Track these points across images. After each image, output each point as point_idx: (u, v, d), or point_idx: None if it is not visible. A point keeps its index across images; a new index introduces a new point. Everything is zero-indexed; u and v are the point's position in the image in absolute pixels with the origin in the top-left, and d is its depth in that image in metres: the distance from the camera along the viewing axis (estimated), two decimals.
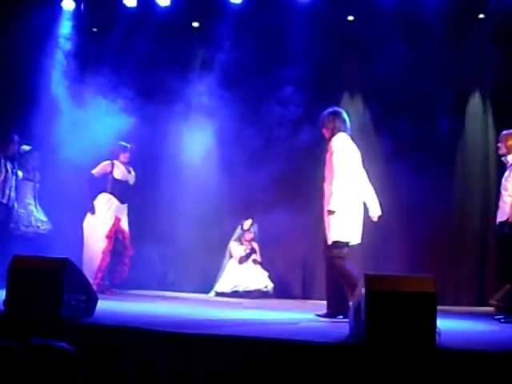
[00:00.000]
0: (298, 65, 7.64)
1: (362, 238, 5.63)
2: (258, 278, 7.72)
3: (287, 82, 7.68)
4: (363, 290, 3.97)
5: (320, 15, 7.76)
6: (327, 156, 5.64)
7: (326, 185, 5.63)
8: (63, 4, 8.23)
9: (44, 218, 7.34)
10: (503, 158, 6.17)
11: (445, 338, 3.95)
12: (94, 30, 8.39)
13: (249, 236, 7.93)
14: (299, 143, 7.62)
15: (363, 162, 5.78)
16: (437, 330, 3.90)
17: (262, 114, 7.85)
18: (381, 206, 5.75)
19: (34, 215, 7.27)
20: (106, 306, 5.13)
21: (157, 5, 8.10)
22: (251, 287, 7.62)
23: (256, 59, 7.97)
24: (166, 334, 4.13)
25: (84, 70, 8.27)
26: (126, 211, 7.43)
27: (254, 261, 7.86)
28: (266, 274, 7.79)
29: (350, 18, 7.84)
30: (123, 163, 7.43)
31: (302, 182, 7.60)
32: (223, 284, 7.68)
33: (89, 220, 7.26)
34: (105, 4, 8.30)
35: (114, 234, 7.25)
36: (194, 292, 7.78)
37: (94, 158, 7.49)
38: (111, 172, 7.35)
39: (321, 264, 7.47)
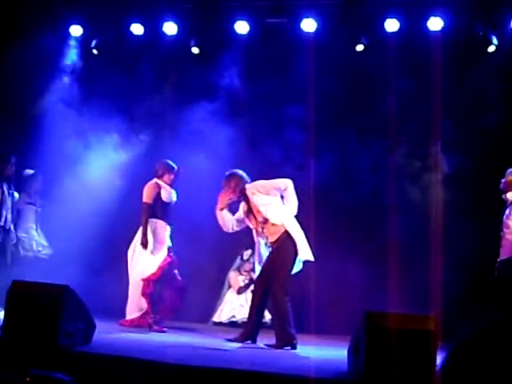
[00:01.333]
0: (302, 96, 7.72)
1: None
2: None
3: (291, 114, 7.75)
4: (363, 325, 3.96)
5: (326, 47, 7.83)
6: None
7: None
8: (71, 30, 8.31)
9: (45, 243, 7.33)
10: (503, 196, 6.19)
11: None
12: (96, 53, 8.40)
13: (248, 266, 7.91)
14: (297, 168, 7.70)
15: None
16: (437, 367, 3.87)
17: (263, 143, 7.92)
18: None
19: (36, 239, 7.26)
20: (103, 334, 5.09)
21: (163, 33, 8.19)
22: None
23: (261, 90, 8.04)
24: (166, 364, 4.10)
25: (88, 96, 8.33)
26: (169, 233, 6.84)
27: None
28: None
29: (358, 48, 7.88)
30: (166, 185, 6.81)
31: (300, 215, 7.60)
32: (221, 314, 7.63)
33: (137, 250, 6.68)
34: (112, 31, 8.37)
35: (168, 265, 6.63)
36: (191, 321, 7.73)
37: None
38: (158, 194, 6.75)
39: (321, 297, 7.52)
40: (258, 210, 6.01)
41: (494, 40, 7.51)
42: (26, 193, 7.28)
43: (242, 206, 6.18)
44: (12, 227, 7.01)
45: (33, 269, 6.90)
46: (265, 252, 6.08)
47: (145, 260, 6.61)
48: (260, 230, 6.05)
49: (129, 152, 8.07)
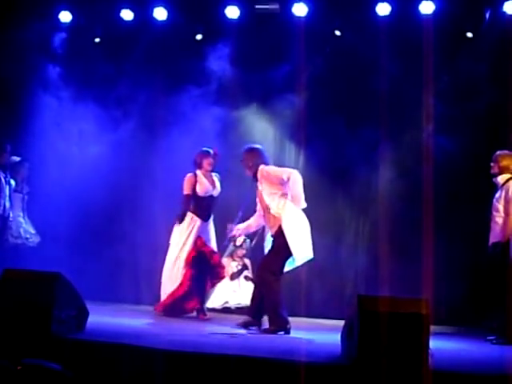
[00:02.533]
0: (294, 79, 7.70)
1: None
2: (250, 295, 7.68)
3: (284, 101, 7.75)
4: (356, 309, 3.98)
5: (317, 31, 7.80)
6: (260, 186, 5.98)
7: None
8: (60, 16, 8.23)
9: (32, 231, 7.31)
10: (494, 179, 6.20)
11: (437, 359, 3.95)
12: (97, 40, 8.35)
13: (241, 252, 7.92)
14: (290, 156, 7.70)
15: None
16: (429, 350, 3.91)
17: (254, 130, 7.90)
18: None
19: (23, 227, 7.24)
20: (96, 321, 5.09)
21: (154, 18, 8.12)
22: (242, 303, 7.59)
23: (252, 75, 8.02)
24: (161, 351, 4.10)
25: (77, 82, 8.28)
26: (211, 228, 6.90)
27: (246, 277, 7.84)
28: None
29: (348, 34, 7.85)
30: (207, 172, 6.83)
31: None
32: (214, 300, 7.63)
33: (174, 240, 6.81)
34: (102, 17, 8.30)
35: (194, 259, 6.69)
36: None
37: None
38: (194, 187, 6.79)
39: (311, 281, 7.55)
40: (263, 196, 5.93)
41: (485, 22, 7.49)
42: (13, 180, 7.25)
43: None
44: (11, 215, 7.01)
45: (20, 256, 6.91)
46: (268, 241, 6.03)
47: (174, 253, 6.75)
48: (265, 216, 5.98)
49: (116, 137, 8.03)
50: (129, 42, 8.24)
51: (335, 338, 4.64)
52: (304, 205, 5.92)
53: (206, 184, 6.80)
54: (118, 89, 8.07)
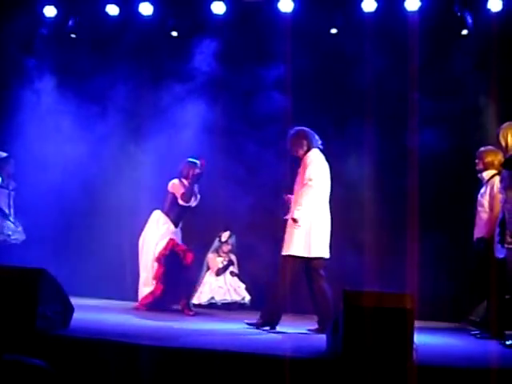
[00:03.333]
0: (279, 75, 7.70)
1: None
2: (236, 290, 7.70)
3: (268, 97, 7.74)
4: (342, 305, 3.99)
5: (303, 27, 7.79)
6: (300, 170, 5.86)
7: (294, 197, 5.86)
8: (45, 11, 8.17)
9: (19, 228, 7.23)
10: (479, 175, 6.25)
11: (422, 354, 3.98)
12: (73, 36, 8.31)
13: (226, 248, 7.91)
14: (275, 155, 7.68)
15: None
16: (414, 345, 3.93)
17: (242, 125, 7.88)
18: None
19: (6, 223, 7.17)
20: (81, 317, 5.06)
21: (139, 14, 8.09)
22: (228, 299, 7.60)
23: (237, 70, 8.00)
24: (145, 347, 4.09)
25: (61, 78, 8.23)
26: (179, 235, 7.04)
27: (232, 273, 7.84)
28: (244, 286, 7.76)
29: (333, 30, 7.87)
30: (191, 182, 6.92)
31: (280, 194, 7.60)
32: (200, 296, 7.64)
33: (144, 239, 6.94)
34: (87, 11, 8.25)
35: (166, 258, 6.80)
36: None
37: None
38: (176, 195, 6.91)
39: (298, 276, 7.55)
40: (298, 182, 5.83)
41: (470, 20, 7.53)
42: None
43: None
44: (7, 211, 6.98)
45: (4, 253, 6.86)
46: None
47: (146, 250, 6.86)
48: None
49: (97, 134, 7.99)
50: (114, 38, 8.19)
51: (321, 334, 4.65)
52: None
53: (190, 195, 6.91)
54: (103, 84, 8.01)
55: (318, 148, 5.99)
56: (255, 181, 7.73)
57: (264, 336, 5.32)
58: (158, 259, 6.79)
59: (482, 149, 6.26)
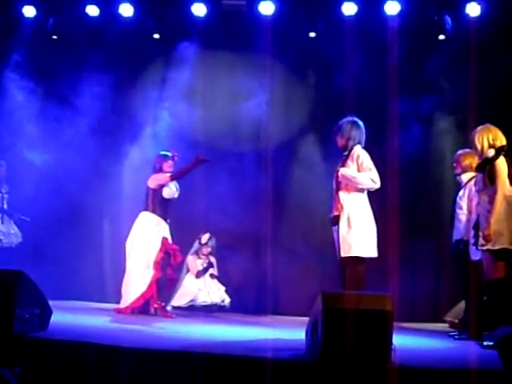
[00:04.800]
0: (260, 78, 7.70)
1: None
2: (215, 293, 7.68)
3: (249, 100, 7.76)
4: (320, 306, 3.99)
5: (283, 30, 7.81)
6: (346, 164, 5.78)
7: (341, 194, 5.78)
8: (24, 10, 8.10)
9: (12, 231, 7.14)
10: (458, 178, 6.31)
11: (400, 355, 4.00)
12: (54, 37, 8.25)
13: (206, 250, 7.88)
14: (257, 155, 7.69)
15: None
16: (392, 346, 3.95)
17: (221, 127, 7.88)
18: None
19: None
20: (60, 319, 5.02)
21: (119, 15, 8.05)
22: (208, 301, 7.58)
23: (218, 72, 8.00)
24: (124, 349, 4.07)
25: (41, 78, 8.16)
26: (168, 229, 6.93)
27: (211, 275, 7.81)
28: (223, 288, 7.75)
29: (312, 34, 7.89)
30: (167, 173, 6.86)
31: (260, 196, 7.60)
32: (180, 298, 7.61)
33: (134, 242, 6.79)
34: (67, 12, 8.19)
35: (163, 260, 6.75)
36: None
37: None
38: (161, 189, 6.81)
39: (278, 279, 7.57)
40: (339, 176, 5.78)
41: (448, 24, 7.62)
42: None
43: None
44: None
45: None
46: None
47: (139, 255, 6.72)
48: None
49: (79, 137, 7.94)
50: (94, 39, 8.14)
51: (300, 335, 4.66)
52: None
53: (173, 188, 6.86)
54: (82, 86, 7.96)
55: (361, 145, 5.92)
56: (237, 185, 7.71)
57: (244, 338, 5.31)
58: (157, 263, 6.70)
59: (460, 152, 6.32)
